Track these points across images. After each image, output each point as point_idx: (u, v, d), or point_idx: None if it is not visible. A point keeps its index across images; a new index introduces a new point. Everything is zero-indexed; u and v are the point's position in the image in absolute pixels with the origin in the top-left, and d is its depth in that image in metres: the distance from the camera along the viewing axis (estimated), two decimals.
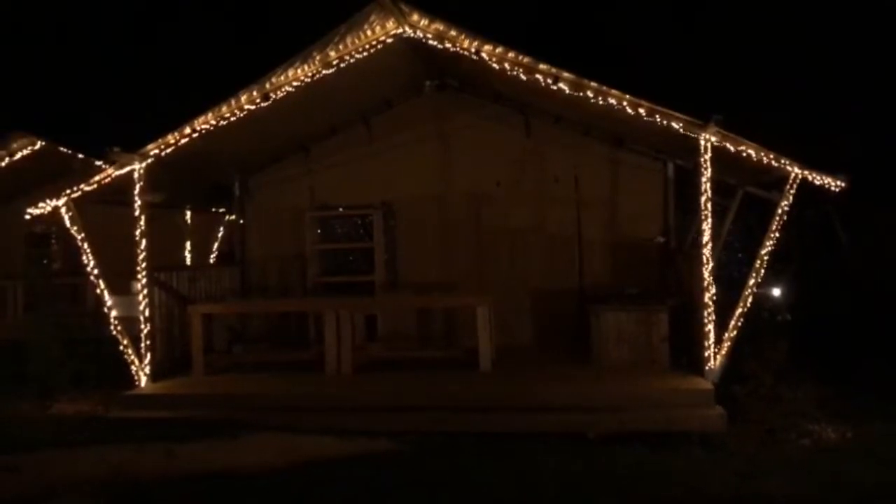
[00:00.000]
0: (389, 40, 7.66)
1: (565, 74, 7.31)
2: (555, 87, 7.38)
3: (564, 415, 7.05)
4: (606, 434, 6.83)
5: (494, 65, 7.49)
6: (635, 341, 8.11)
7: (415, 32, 7.59)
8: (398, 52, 8.21)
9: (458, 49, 7.55)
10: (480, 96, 9.98)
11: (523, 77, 7.44)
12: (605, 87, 7.30)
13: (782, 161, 7.30)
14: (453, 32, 7.50)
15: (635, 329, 8.12)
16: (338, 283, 10.32)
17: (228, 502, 5.43)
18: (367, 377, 8.28)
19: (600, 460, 6.26)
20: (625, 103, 7.29)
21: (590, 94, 7.32)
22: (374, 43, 7.63)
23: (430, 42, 7.64)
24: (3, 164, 15.27)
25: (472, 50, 7.47)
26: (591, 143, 9.89)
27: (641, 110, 7.27)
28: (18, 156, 15.24)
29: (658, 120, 7.28)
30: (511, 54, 7.39)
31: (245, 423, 7.18)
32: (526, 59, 7.37)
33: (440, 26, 7.52)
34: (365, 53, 7.68)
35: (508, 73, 7.49)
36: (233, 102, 7.89)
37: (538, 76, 7.37)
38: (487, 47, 7.42)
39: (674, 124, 7.28)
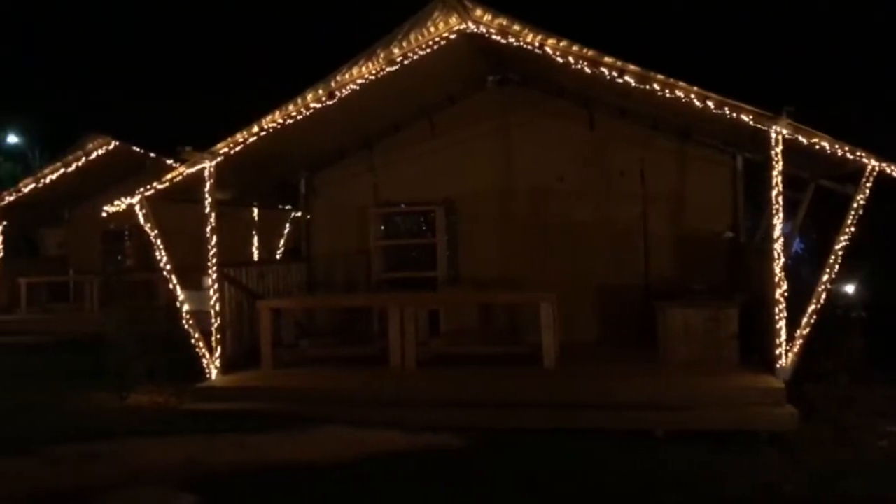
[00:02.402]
0: (452, 36, 7.69)
1: (631, 67, 7.21)
2: (620, 81, 7.28)
3: (630, 412, 6.97)
4: (674, 432, 6.72)
5: (558, 59, 7.44)
6: (703, 338, 7.96)
7: (478, 28, 7.59)
8: (461, 47, 8.22)
9: (521, 43, 7.52)
10: (543, 91, 9.91)
11: (588, 71, 7.37)
12: (671, 80, 7.17)
13: (858, 153, 7.05)
14: (516, 27, 7.48)
15: (703, 326, 7.97)
16: (401, 279, 10.40)
17: (297, 493, 5.54)
18: (430, 372, 8.33)
19: (667, 458, 6.18)
20: (692, 96, 7.15)
21: (656, 86, 7.20)
22: (437, 39, 7.67)
23: (494, 37, 7.63)
24: (80, 163, 15.88)
25: (536, 44, 7.43)
26: (657, 137, 9.73)
27: (710, 103, 7.12)
28: (94, 156, 15.83)
29: (727, 112, 7.12)
30: (575, 48, 7.33)
31: (312, 416, 7.30)
32: (590, 53, 7.29)
33: (503, 21, 7.50)
34: (428, 50, 7.73)
35: (572, 66, 7.43)
36: (299, 101, 8.03)
37: (603, 69, 7.29)
38: (551, 41, 7.37)
39: (743, 116, 7.10)
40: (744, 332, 7.92)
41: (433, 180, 10.21)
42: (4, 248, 17.21)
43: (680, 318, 8.04)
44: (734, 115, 7.11)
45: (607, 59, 7.26)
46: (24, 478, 5.81)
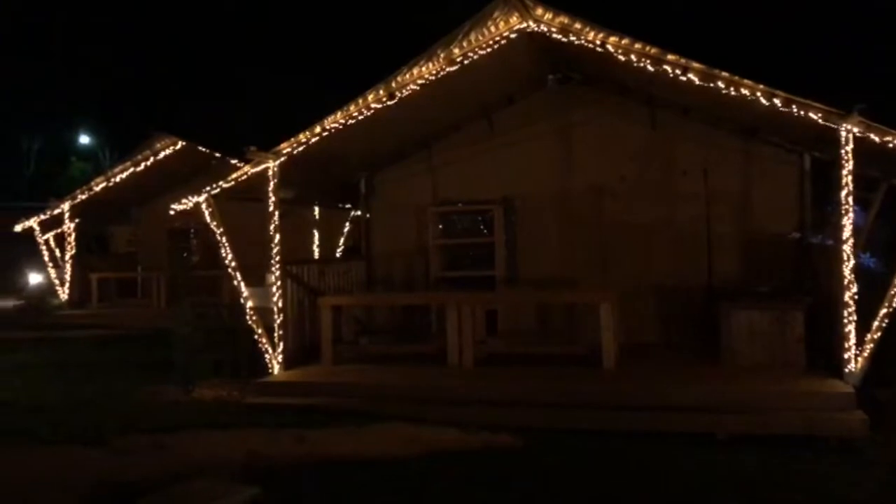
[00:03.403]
0: (513, 35, 7.67)
1: (695, 65, 7.09)
2: (683, 79, 7.17)
3: (691, 415, 6.84)
4: (737, 436, 6.59)
5: (620, 56, 7.36)
6: (769, 341, 7.78)
7: (539, 26, 7.56)
8: (521, 46, 8.20)
9: (582, 42, 7.47)
10: (604, 89, 9.80)
11: (650, 68, 7.27)
12: (736, 78, 7.02)
13: None
14: (578, 25, 7.42)
15: (769, 328, 7.78)
16: (459, 278, 10.43)
17: (357, 488, 5.61)
18: (487, 371, 8.33)
19: (728, 462, 6.06)
20: (758, 94, 6.99)
21: (720, 84, 7.07)
22: (497, 38, 7.67)
23: (555, 36, 7.60)
24: (149, 163, 16.38)
25: (598, 42, 7.37)
26: (721, 135, 9.53)
27: (776, 101, 6.95)
28: (162, 155, 16.30)
29: (794, 110, 6.93)
30: (637, 45, 7.24)
31: (370, 412, 7.39)
32: (653, 50, 7.20)
33: (564, 19, 7.46)
34: (488, 49, 7.73)
35: (635, 64, 7.34)
36: (360, 101, 8.13)
37: (666, 67, 7.18)
38: (613, 39, 7.30)
39: (812, 114, 6.91)
40: (811, 334, 7.70)
41: (492, 179, 10.22)
42: (77, 245, 17.88)
43: (744, 319, 7.87)
44: (802, 113, 6.93)
45: (670, 57, 7.15)
46: (95, 466, 6.01)
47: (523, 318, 10.05)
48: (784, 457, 6.15)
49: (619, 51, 7.31)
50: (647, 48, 7.21)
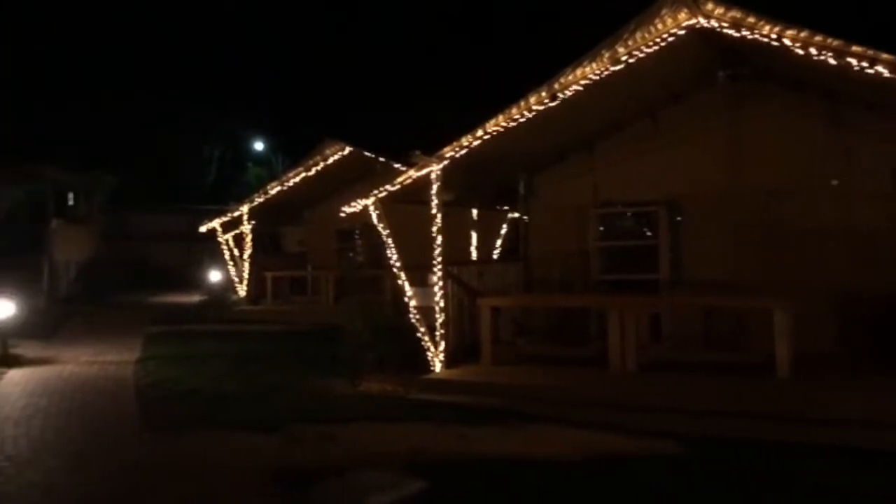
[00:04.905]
0: (681, 32, 7.45)
1: (884, 56, 6.57)
2: (871, 71, 6.67)
3: (872, 430, 6.36)
4: None
5: (798, 50, 6.96)
6: None
7: (709, 22, 7.30)
8: (689, 42, 7.94)
9: (756, 36, 7.12)
10: (778, 84, 9.30)
11: (832, 62, 6.82)
12: None
13: None
14: (751, 19, 7.08)
15: None
16: (620, 281, 10.25)
17: (519, 488, 5.64)
18: (650, 377, 8.14)
19: None
20: None
21: None
22: (664, 36, 7.47)
23: (726, 31, 7.30)
24: (319, 167, 17.25)
25: (773, 36, 7.00)
26: None
27: None
28: (331, 160, 17.13)
29: None
30: (818, 38, 6.80)
31: (529, 413, 7.41)
32: (835, 43, 6.74)
33: (736, 14, 7.14)
34: (655, 47, 7.55)
35: (814, 58, 6.91)
36: (522, 104, 8.18)
37: (850, 60, 6.71)
38: (790, 32, 6.91)
39: None
40: None
41: (655, 179, 9.96)
42: (253, 245, 19.14)
43: None
44: None
45: (855, 48, 6.67)
46: (271, 452, 6.42)
47: (688, 323, 9.71)
48: None
49: (798, 44, 6.91)
50: (829, 40, 6.77)
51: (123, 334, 13.96)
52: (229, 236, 19.52)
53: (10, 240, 21.60)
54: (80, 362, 11.00)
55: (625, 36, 7.58)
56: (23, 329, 12.10)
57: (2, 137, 27.60)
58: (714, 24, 7.27)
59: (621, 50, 7.61)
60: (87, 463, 6.24)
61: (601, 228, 10.51)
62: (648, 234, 10.18)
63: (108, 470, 6.06)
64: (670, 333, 9.48)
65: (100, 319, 16.88)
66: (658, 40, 7.49)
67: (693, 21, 7.31)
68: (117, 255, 25.12)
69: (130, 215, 29.11)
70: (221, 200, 24.63)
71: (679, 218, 10.00)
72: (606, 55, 7.68)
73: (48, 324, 14.80)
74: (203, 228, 19.62)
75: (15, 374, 9.94)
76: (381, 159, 16.18)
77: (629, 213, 10.41)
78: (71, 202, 25.33)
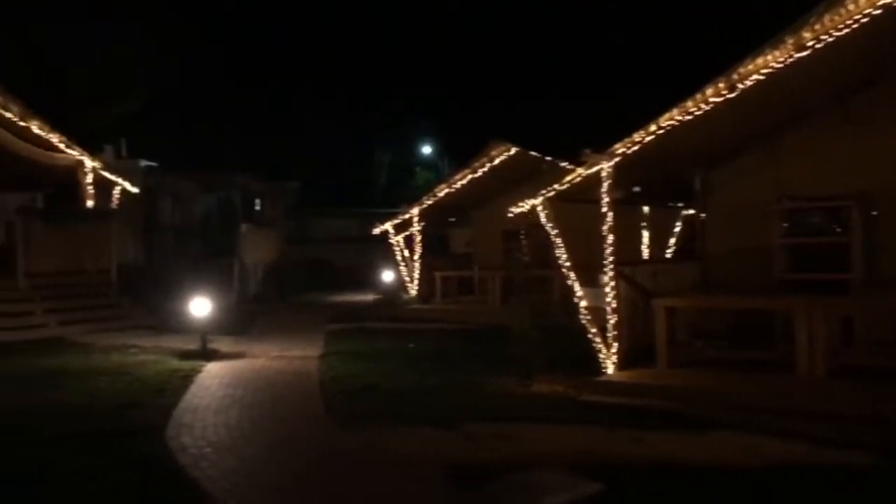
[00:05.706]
0: (877, 11, 6.87)
1: None
2: None
3: None
4: None
5: None
6: None
7: None
8: (885, 22, 7.31)
9: None
10: None
11: None
12: None
13: None
14: None
15: None
16: (806, 280, 9.59)
17: (701, 495, 5.46)
18: (840, 383, 7.61)
19: None
20: None
21: None
22: (857, 17, 6.92)
23: None
24: (485, 168, 17.46)
25: None
26: None
27: None
28: (497, 161, 17.29)
29: None
30: None
31: (706, 418, 7.15)
32: None
33: None
34: (845, 30, 7.02)
35: None
36: (697, 96, 7.88)
37: None
38: None
39: None
40: None
41: (846, 172, 9.25)
42: (423, 246, 19.69)
43: None
44: None
45: None
46: (446, 448, 6.59)
47: (885, 326, 8.94)
48: None
49: None
50: None
51: (306, 331, 14.83)
52: (400, 237, 20.18)
53: (206, 243, 23.59)
54: (269, 356, 11.79)
55: (811, 20, 7.10)
56: (217, 326, 13.19)
57: (198, 148, 30.21)
58: None
59: (807, 35, 7.13)
60: (280, 452, 6.68)
61: (785, 225, 9.90)
62: (838, 230, 9.47)
63: (299, 460, 6.46)
64: (864, 337, 8.77)
65: (284, 317, 18.03)
66: (850, 22, 6.95)
67: None
68: (298, 256, 26.72)
69: (309, 219, 30.88)
70: (392, 204, 25.52)
71: (874, 213, 9.22)
72: (790, 41, 7.23)
73: (239, 321, 16.00)
74: (376, 230, 20.41)
75: (213, 367, 10.81)
76: (548, 158, 16.12)
77: (816, 208, 9.72)
78: (258, 207, 27.25)
